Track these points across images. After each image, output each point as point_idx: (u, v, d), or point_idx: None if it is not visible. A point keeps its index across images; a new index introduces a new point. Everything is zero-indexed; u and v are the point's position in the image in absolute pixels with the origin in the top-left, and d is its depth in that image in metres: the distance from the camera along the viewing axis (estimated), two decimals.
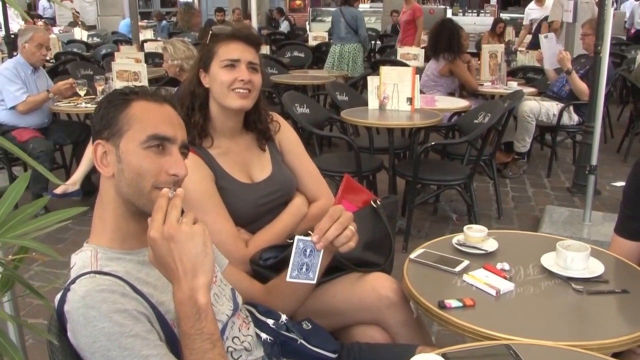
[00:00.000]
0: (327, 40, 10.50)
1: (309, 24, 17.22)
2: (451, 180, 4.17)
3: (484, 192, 5.33)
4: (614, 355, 1.54)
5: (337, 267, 1.82)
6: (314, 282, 1.47)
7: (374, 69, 6.63)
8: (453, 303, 1.62)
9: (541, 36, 6.15)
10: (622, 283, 1.78)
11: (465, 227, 2.02)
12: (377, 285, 1.87)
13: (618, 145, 6.80)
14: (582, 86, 5.55)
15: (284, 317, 1.58)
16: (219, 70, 2.00)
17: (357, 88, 6.44)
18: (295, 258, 1.45)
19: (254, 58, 2.03)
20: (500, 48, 6.21)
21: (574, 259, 1.82)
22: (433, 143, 4.52)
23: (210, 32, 2.13)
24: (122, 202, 1.31)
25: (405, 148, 5.03)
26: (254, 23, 7.70)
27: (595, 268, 1.83)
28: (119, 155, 1.29)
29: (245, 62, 2.00)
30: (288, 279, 1.45)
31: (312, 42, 10.81)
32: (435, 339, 2.93)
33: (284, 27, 15.44)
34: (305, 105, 4.43)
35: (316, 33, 11.74)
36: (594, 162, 4.37)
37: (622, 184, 5.52)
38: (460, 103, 5.19)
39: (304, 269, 1.45)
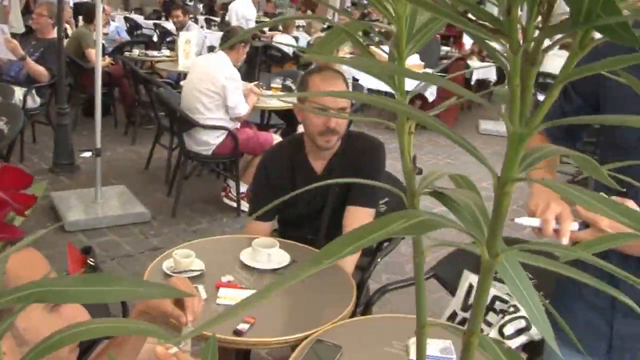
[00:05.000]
0: None
1: None
2: None
3: None
4: None
5: None
6: None
7: None
8: (244, 326, 1.83)
9: None
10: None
11: (174, 254, 2.14)
12: None
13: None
14: (39, 69, 5.58)
15: None
16: None
17: None
18: None
19: None
20: None
21: (273, 254, 2.23)
22: None
23: None
24: None
25: None
26: None
27: (283, 254, 2.28)
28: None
29: None
30: None
31: None
32: None
33: None
34: None
35: None
36: (98, 145, 4.61)
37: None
38: None
39: None
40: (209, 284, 2.06)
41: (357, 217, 2.43)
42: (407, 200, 0.62)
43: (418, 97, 7.92)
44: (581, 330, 1.55)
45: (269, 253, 2.22)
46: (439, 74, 8.36)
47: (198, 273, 2.12)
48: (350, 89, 4.09)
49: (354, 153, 2.49)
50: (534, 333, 2.14)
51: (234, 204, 4.88)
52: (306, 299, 2.07)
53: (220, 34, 7.81)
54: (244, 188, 4.87)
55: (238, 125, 4.76)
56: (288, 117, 5.59)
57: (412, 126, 0.62)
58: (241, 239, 2.47)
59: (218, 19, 12.19)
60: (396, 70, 0.57)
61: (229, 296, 1.99)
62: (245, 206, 4.87)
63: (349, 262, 2.38)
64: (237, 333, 1.80)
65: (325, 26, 10.36)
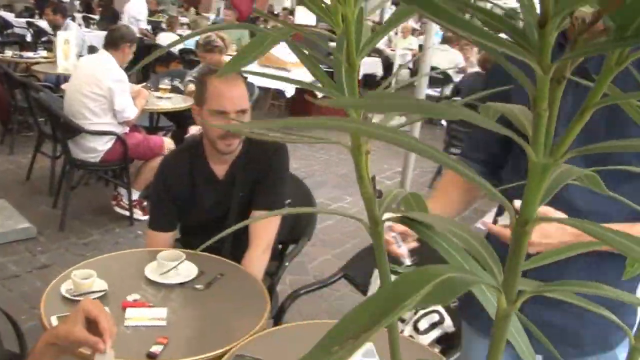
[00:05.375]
0: None
1: None
2: None
3: None
4: None
5: None
6: None
7: None
8: (157, 348, 1.71)
9: None
10: (214, 270, 2.18)
11: (72, 275, 1.98)
12: None
13: None
14: None
15: None
16: None
17: None
18: None
19: None
20: None
21: (181, 267, 2.12)
22: None
23: None
24: None
25: None
26: None
27: (190, 266, 2.17)
28: None
29: None
30: None
31: None
32: None
33: None
34: None
35: None
36: None
37: None
38: None
39: None
40: (115, 305, 1.92)
41: (264, 221, 2.36)
42: (370, 228, 0.56)
43: (307, 93, 7.93)
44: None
45: (175, 266, 2.11)
46: (329, 69, 8.39)
47: (101, 294, 1.97)
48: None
49: (258, 155, 2.42)
50: (447, 326, 2.17)
51: (127, 213, 4.65)
52: (219, 312, 1.98)
53: (101, 33, 7.45)
54: (136, 195, 4.65)
55: (127, 129, 4.53)
56: (177, 119, 5.40)
57: (368, 145, 0.56)
58: (144, 252, 2.33)
59: (97, 17, 11.63)
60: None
61: (138, 316, 1.87)
62: (138, 214, 4.66)
63: (259, 268, 2.31)
64: (151, 356, 1.69)
65: (209, 23, 10.14)
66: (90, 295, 1.94)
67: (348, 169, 6.93)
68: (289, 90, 7.53)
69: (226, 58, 5.39)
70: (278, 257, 2.69)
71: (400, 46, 10.79)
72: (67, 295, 1.95)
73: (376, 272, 2.42)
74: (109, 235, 4.47)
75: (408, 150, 0.41)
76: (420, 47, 12.88)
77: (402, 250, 1.44)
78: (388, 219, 0.53)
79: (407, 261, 1.44)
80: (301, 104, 8.09)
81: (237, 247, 2.44)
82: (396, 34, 12.81)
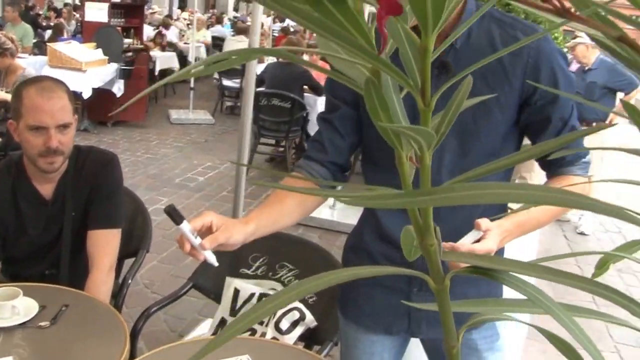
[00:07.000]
0: None
1: None
2: None
3: None
4: None
5: None
6: None
7: None
8: None
9: None
10: (56, 302, 1.98)
11: None
12: None
13: None
14: None
15: None
16: None
17: None
18: None
19: None
20: None
21: (19, 304, 1.90)
22: None
23: None
24: None
25: None
26: None
27: (29, 302, 1.96)
28: None
29: None
30: None
31: None
32: None
33: None
34: None
35: None
36: None
37: None
38: None
39: None
40: None
41: (104, 240, 2.21)
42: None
43: (105, 92, 7.54)
44: (382, 312, 1.63)
45: (13, 305, 1.88)
46: (125, 66, 8.01)
47: None
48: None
49: (88, 170, 2.24)
50: (309, 321, 2.19)
51: None
52: (74, 349, 1.83)
53: None
54: None
55: None
56: None
57: None
58: None
59: None
60: None
61: None
62: None
63: (106, 292, 2.16)
64: None
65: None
66: None
67: (158, 169, 6.73)
68: (86, 92, 7.09)
69: (17, 61, 4.90)
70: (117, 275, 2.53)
71: (194, 39, 10.64)
72: None
73: (228, 280, 2.38)
74: None
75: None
76: (213, 38, 12.84)
77: (209, 254, 1.34)
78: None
79: (215, 262, 1.36)
80: (99, 104, 7.67)
81: (76, 272, 2.25)
82: (189, 26, 12.58)
